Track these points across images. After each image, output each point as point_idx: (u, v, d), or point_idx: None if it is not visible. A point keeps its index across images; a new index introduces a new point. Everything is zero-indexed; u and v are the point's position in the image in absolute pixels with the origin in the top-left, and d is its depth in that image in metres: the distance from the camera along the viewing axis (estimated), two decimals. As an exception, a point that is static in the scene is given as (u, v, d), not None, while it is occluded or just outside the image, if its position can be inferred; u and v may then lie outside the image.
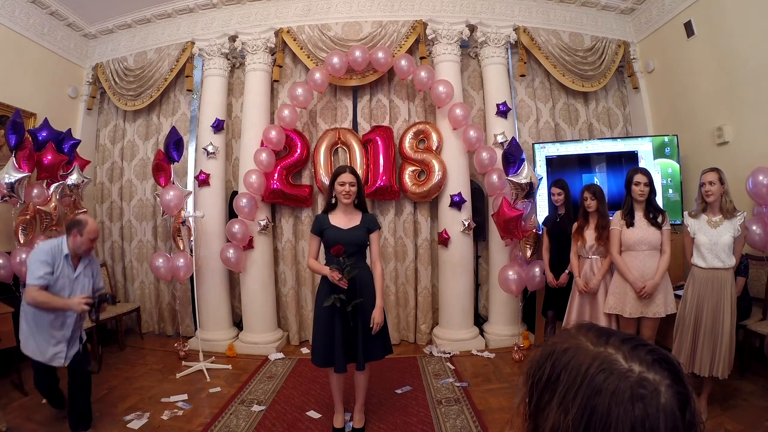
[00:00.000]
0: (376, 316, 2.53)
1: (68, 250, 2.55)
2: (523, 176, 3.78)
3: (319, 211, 4.54)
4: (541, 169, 4.37)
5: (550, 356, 0.55)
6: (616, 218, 2.96)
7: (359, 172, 4.26)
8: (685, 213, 2.85)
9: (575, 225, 3.24)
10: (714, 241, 2.64)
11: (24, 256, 3.56)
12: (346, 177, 2.58)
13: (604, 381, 0.49)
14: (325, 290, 2.58)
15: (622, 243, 2.89)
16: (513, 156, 3.79)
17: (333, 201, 2.66)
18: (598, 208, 3.13)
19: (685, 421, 0.48)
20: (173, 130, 4.14)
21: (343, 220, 2.62)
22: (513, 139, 4.03)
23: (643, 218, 2.86)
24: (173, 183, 4.06)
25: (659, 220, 2.83)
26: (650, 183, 2.84)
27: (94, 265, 2.74)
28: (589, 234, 3.13)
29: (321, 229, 2.61)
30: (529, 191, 3.84)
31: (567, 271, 3.40)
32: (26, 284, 2.49)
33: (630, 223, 2.86)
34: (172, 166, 4.09)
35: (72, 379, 2.58)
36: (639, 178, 2.83)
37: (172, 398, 3.21)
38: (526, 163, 3.80)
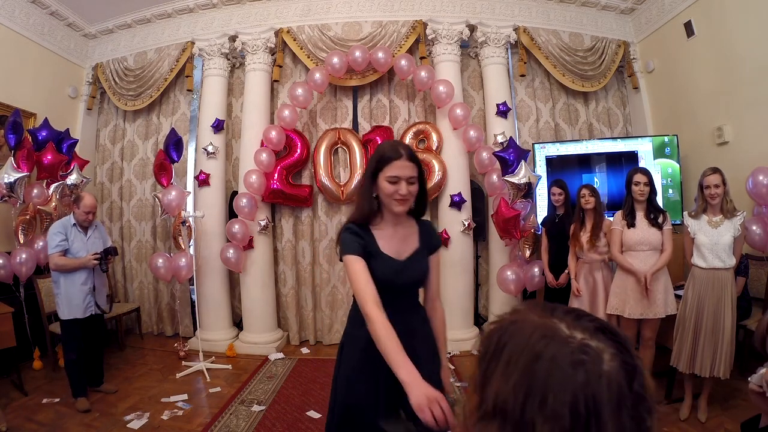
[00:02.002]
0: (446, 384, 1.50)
1: (74, 220, 3.13)
2: (519, 176, 3.77)
3: (320, 212, 4.62)
4: (541, 169, 4.37)
5: (499, 329, 0.55)
6: (617, 218, 2.96)
7: (359, 172, 4.28)
8: (685, 213, 2.85)
9: (572, 227, 3.24)
10: (715, 241, 2.64)
11: (24, 256, 3.58)
12: (402, 167, 1.41)
13: (545, 347, 0.48)
14: (362, 364, 1.47)
15: (623, 243, 2.89)
16: (505, 157, 3.78)
17: (376, 206, 1.49)
18: (596, 206, 3.13)
19: (633, 391, 0.47)
20: (173, 131, 4.15)
21: (394, 241, 1.50)
22: (510, 139, 4.03)
23: (644, 218, 2.86)
24: (172, 183, 4.07)
25: (660, 220, 2.83)
26: (650, 183, 2.84)
27: (101, 229, 3.36)
28: (587, 236, 3.12)
29: (367, 250, 1.45)
30: (527, 191, 3.84)
31: (566, 271, 3.39)
32: (48, 255, 3.07)
33: (631, 224, 2.86)
34: (173, 166, 4.10)
35: (91, 336, 3.19)
36: (639, 177, 2.83)
37: (172, 398, 3.20)
38: (523, 163, 3.80)
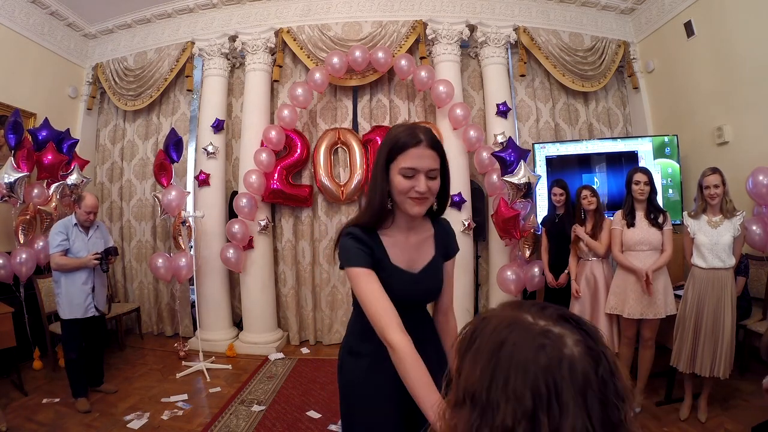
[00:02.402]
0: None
1: (75, 220, 3.14)
2: (519, 176, 3.77)
3: (320, 212, 4.62)
4: (541, 169, 4.37)
5: (472, 327, 0.58)
6: (617, 218, 2.96)
7: (359, 172, 4.28)
8: (685, 213, 2.85)
9: (573, 228, 3.24)
10: (714, 241, 2.64)
11: (24, 256, 3.58)
12: (421, 156, 1.15)
13: (508, 334, 0.52)
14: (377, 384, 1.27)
15: (623, 243, 2.89)
16: (504, 158, 3.77)
17: (389, 205, 1.22)
18: (597, 207, 3.14)
19: (599, 376, 0.49)
20: (172, 131, 4.15)
21: (407, 249, 1.27)
22: (510, 139, 4.02)
23: (644, 218, 2.85)
24: (172, 183, 4.07)
25: (660, 220, 2.83)
26: (650, 182, 2.84)
27: (102, 229, 3.35)
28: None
29: (376, 261, 1.21)
30: (527, 191, 3.83)
31: (566, 272, 3.39)
32: (49, 255, 3.09)
33: (631, 224, 2.86)
34: (173, 166, 4.10)
35: (92, 336, 3.21)
36: (639, 176, 2.83)
37: (172, 398, 3.20)
38: (522, 163, 3.80)
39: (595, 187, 3.36)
